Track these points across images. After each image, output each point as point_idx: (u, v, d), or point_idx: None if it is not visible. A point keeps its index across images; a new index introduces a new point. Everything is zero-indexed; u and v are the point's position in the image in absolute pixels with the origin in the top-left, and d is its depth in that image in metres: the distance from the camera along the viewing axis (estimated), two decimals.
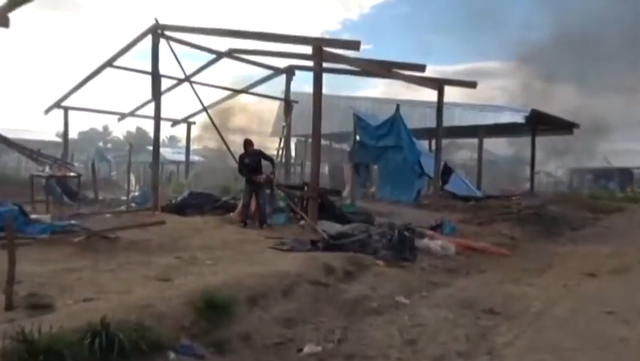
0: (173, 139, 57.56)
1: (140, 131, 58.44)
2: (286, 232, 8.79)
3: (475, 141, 25.45)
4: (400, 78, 12.88)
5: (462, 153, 34.96)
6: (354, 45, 9.51)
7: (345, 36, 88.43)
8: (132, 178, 16.35)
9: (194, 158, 24.02)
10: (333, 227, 8.69)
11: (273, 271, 5.27)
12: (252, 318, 4.26)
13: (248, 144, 10.00)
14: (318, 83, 9.48)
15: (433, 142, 21.05)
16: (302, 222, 9.61)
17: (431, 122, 16.08)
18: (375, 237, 7.64)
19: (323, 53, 9.61)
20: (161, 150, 14.81)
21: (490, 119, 19.60)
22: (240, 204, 10.31)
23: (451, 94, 14.00)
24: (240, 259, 6.23)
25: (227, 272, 5.30)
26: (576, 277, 6.76)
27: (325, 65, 10.23)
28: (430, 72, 12.18)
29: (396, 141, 14.22)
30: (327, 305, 4.96)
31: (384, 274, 6.18)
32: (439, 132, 13.98)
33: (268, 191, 10.25)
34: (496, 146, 31.88)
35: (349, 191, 14.20)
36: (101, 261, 5.82)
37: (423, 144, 19.14)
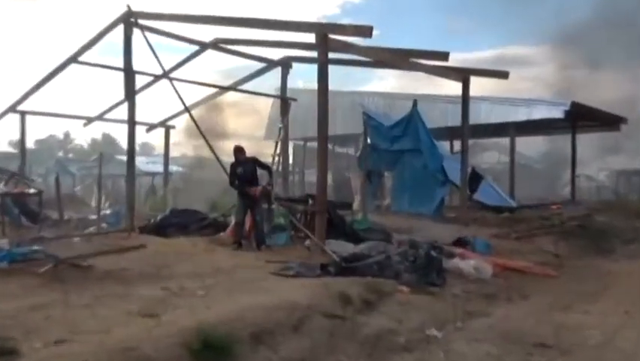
0: (146, 146, 57.69)
1: (107, 137, 58.64)
2: (289, 254, 8.75)
3: (503, 141, 25.51)
4: (420, 69, 12.83)
5: (487, 155, 35.04)
6: (366, 31, 9.50)
7: (346, 21, 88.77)
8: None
9: (171, 168, 23.96)
10: (345, 247, 8.64)
11: (279, 302, 5.21)
12: (258, 360, 4.20)
13: (238, 151, 9.94)
14: (323, 77, 9.43)
15: (454, 143, 21.28)
16: (307, 242, 9.55)
17: (453, 120, 16.05)
18: (395, 258, 7.58)
19: (329, 42, 9.58)
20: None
21: (522, 114, 19.55)
22: (232, 222, 10.24)
23: (475, 86, 13.90)
24: (237, 289, 6.16)
25: (224, 305, 5.25)
26: (637, 301, 6.71)
27: (329, 55, 10.19)
28: (449, 61, 12.08)
29: (414, 144, 14.15)
30: (345, 342, 4.91)
31: (410, 303, 6.14)
32: (465, 131, 13.84)
33: (265, 206, 10.20)
34: (527, 146, 31.89)
35: (359, 203, 14.17)
36: (72, 294, 5.73)
37: (443, 146, 19.06)
